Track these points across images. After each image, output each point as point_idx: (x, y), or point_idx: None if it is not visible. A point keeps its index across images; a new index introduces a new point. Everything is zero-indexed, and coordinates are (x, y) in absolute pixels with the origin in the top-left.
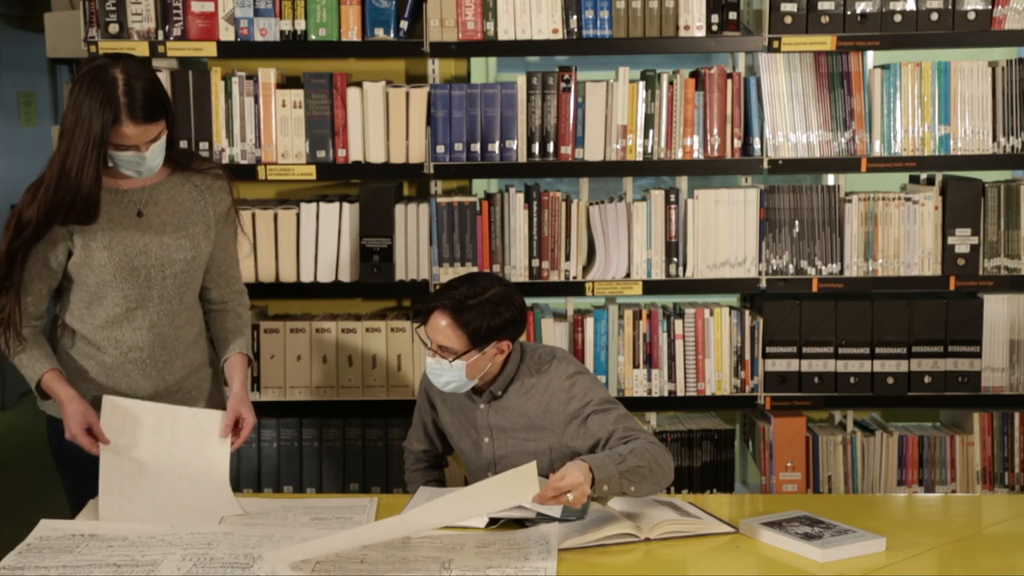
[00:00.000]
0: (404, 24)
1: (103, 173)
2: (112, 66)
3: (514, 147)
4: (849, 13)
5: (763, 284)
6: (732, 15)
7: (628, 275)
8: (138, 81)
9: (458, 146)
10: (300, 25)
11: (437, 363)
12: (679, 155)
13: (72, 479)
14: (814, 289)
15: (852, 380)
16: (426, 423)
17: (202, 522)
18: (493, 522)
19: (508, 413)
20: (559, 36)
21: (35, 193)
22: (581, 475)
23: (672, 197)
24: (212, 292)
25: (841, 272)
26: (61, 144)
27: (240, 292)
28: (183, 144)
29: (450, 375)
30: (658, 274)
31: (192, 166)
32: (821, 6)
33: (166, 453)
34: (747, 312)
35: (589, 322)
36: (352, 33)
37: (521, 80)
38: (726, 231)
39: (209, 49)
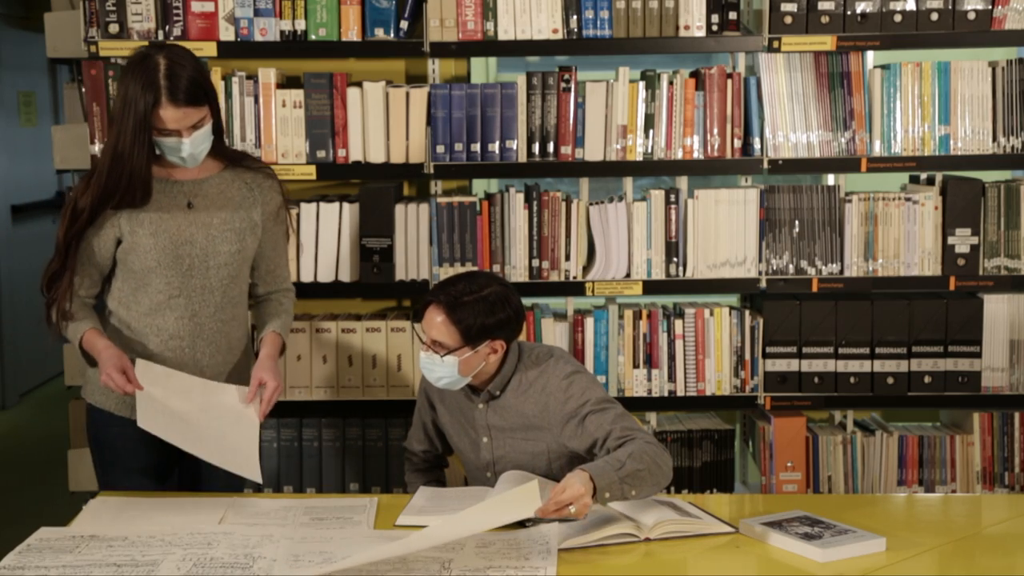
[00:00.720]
0: (404, 24)
1: (155, 163)
2: (157, 52)
3: (514, 147)
4: (849, 13)
5: (763, 284)
6: (732, 15)
7: (628, 275)
8: (181, 67)
9: (458, 146)
10: (300, 25)
11: (429, 358)
12: (679, 155)
13: (104, 465)
14: (814, 289)
15: (852, 380)
16: (426, 423)
17: (223, 462)
18: None
19: (506, 413)
20: (559, 36)
21: (89, 181)
22: (582, 486)
23: (672, 197)
24: (259, 288)
25: (841, 272)
26: (112, 130)
27: (288, 289)
28: None
29: (442, 370)
30: (658, 274)
31: (244, 164)
32: (821, 6)
33: (198, 410)
34: (747, 312)
35: (589, 322)
36: (352, 33)
37: (521, 80)
38: (726, 231)
39: (209, 49)
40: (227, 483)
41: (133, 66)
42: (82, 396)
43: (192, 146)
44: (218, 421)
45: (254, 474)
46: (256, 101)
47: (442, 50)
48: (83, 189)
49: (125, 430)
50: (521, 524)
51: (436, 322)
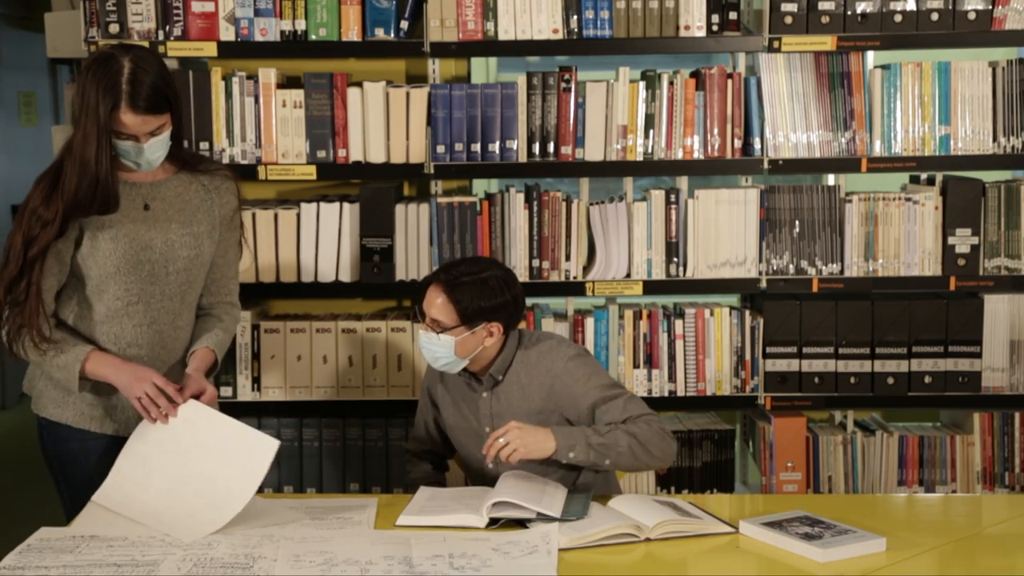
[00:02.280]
0: (404, 24)
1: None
2: (122, 55)
3: (514, 147)
4: (849, 13)
5: (763, 284)
6: (732, 15)
7: (628, 275)
8: (144, 72)
9: (458, 146)
10: (300, 25)
11: (428, 337)
12: (679, 155)
13: (69, 483)
14: (814, 289)
15: (852, 380)
16: (427, 422)
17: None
18: (493, 522)
19: (511, 398)
20: (559, 36)
21: (48, 188)
22: (518, 427)
23: (672, 197)
24: (203, 299)
25: (841, 272)
26: (75, 134)
27: (232, 304)
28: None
29: (440, 349)
30: (658, 274)
31: (200, 167)
32: (821, 6)
33: (174, 484)
34: (747, 312)
35: (589, 322)
36: (352, 33)
37: (521, 80)
38: (726, 231)
39: (209, 49)
40: None
41: (95, 66)
42: (33, 410)
43: (149, 152)
44: (197, 472)
45: (271, 446)
46: (256, 101)
47: (442, 50)
48: (42, 196)
49: (86, 444)
50: (521, 524)
51: (436, 302)
